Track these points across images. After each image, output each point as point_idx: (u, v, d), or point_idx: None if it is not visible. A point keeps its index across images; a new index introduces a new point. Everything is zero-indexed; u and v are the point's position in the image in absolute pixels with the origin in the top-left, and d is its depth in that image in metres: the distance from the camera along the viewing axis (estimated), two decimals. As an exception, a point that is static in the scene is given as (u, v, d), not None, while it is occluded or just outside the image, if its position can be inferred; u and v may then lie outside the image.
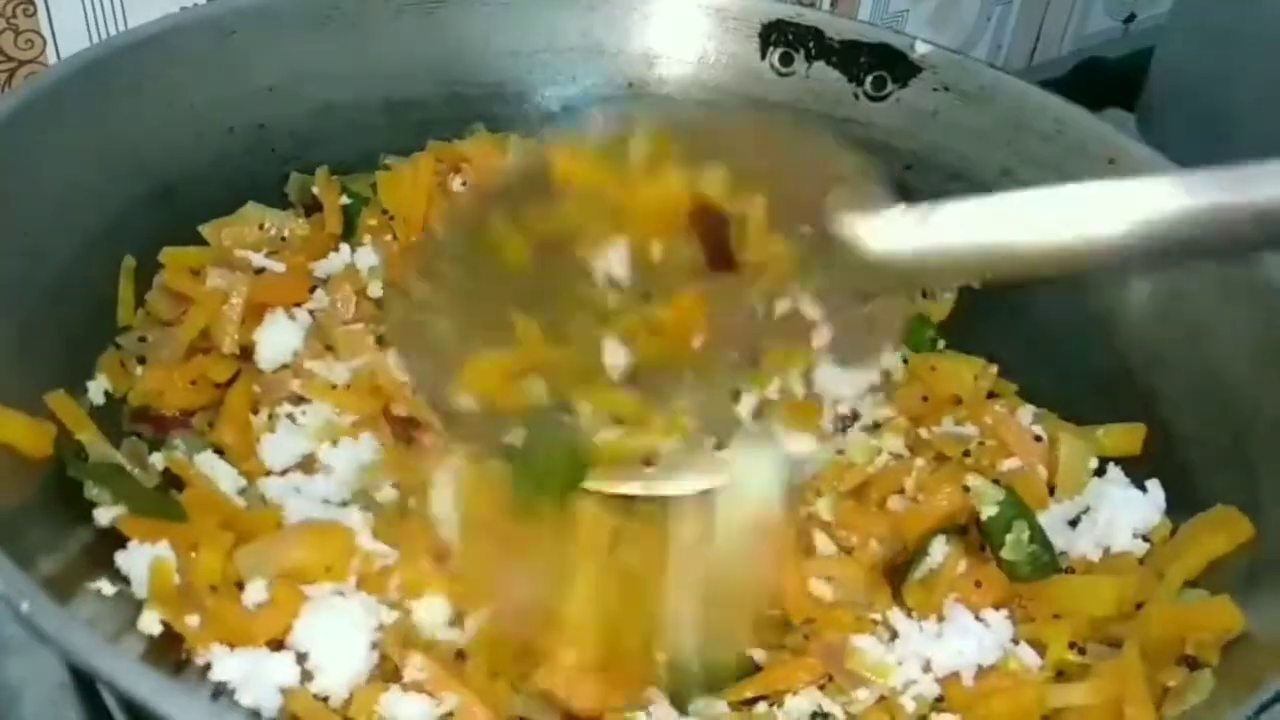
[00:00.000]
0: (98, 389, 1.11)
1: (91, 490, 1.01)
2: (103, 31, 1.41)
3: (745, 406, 0.98)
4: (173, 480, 1.08)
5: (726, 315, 0.97)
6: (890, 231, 0.91)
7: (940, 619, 1.06)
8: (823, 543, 1.12)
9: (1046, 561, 1.09)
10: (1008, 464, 1.18)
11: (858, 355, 0.98)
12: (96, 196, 1.16)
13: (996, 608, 1.06)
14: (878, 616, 1.07)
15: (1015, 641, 1.04)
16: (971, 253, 0.90)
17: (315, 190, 1.32)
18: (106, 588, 0.95)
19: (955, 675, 1.02)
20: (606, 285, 0.98)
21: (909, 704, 1.01)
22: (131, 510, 1.01)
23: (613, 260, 0.97)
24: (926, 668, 1.03)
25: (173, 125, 1.24)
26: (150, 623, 0.94)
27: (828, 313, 0.97)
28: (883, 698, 1.02)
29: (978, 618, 1.05)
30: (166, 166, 1.23)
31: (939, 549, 1.10)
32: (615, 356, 0.98)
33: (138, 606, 0.95)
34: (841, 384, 0.98)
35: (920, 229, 0.90)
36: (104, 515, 1.01)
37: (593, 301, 0.97)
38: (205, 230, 1.25)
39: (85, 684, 0.86)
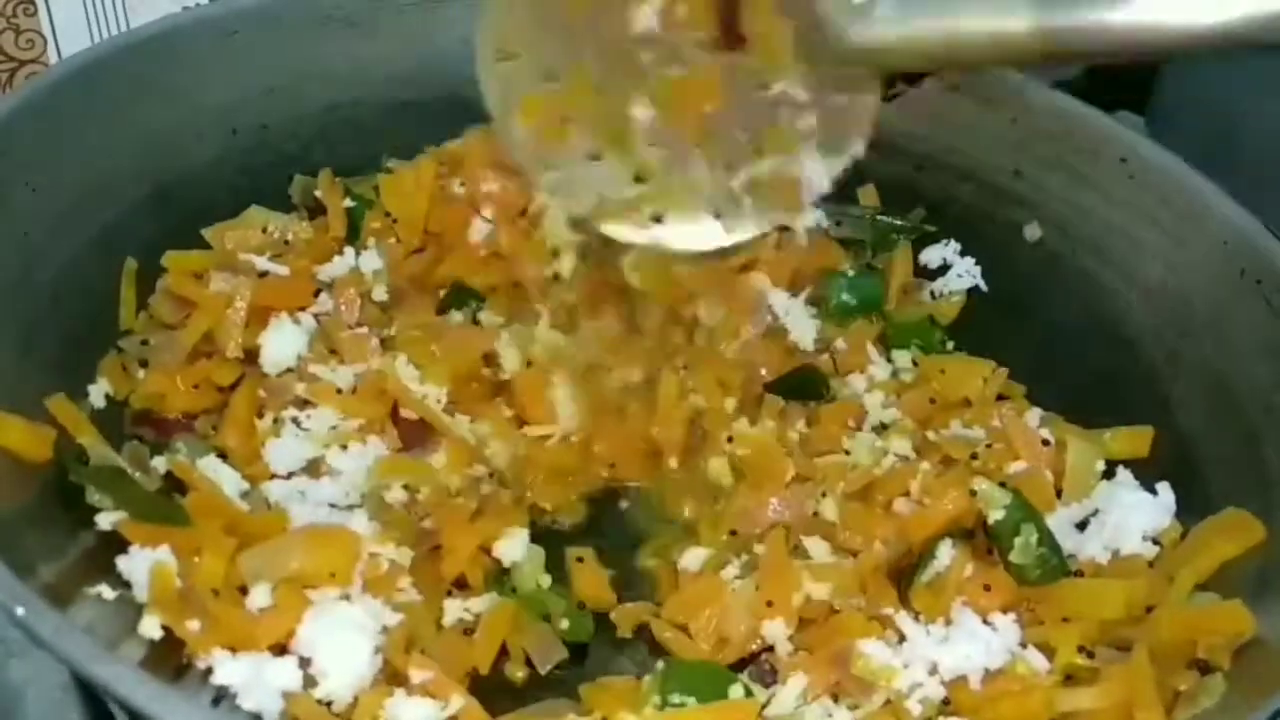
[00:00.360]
0: (99, 392, 1.11)
1: (93, 495, 1.00)
2: (103, 31, 1.41)
3: (738, 181, 1.04)
4: (175, 484, 1.07)
5: (732, 92, 1.03)
6: (867, 19, 0.96)
7: (948, 622, 1.05)
8: (816, 547, 1.12)
9: (1055, 564, 1.08)
10: (1015, 467, 1.17)
11: (835, 143, 1.02)
12: (97, 198, 1.16)
13: (1004, 611, 1.05)
14: (886, 616, 1.06)
15: (1023, 645, 1.03)
16: (937, 37, 0.95)
17: (318, 193, 1.32)
18: (107, 592, 0.95)
19: (962, 679, 1.01)
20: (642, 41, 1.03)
21: (915, 708, 1.00)
22: (133, 515, 1.00)
23: (648, 13, 1.02)
24: (933, 671, 1.02)
25: (174, 126, 1.24)
26: (150, 627, 0.94)
27: (813, 99, 1.01)
28: (889, 701, 1.01)
29: (985, 621, 1.04)
30: (168, 168, 1.23)
31: (945, 552, 1.09)
32: (642, 110, 1.03)
33: (138, 611, 0.95)
34: (819, 171, 1.03)
35: (891, 17, 0.95)
36: (105, 520, 1.00)
37: (630, 57, 1.03)
38: (208, 234, 1.25)
39: (87, 686, 0.86)
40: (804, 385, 1.26)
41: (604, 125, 1.04)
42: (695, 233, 1.05)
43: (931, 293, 1.39)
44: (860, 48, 0.96)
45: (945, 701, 1.01)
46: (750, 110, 1.02)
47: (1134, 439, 1.19)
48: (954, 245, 1.39)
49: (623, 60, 1.02)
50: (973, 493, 1.10)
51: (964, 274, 1.38)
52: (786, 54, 1.00)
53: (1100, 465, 1.17)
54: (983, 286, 1.37)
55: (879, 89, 1.00)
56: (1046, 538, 1.08)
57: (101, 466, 1.04)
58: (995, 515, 1.08)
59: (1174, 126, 1.54)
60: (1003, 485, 1.11)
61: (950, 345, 1.34)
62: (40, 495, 0.98)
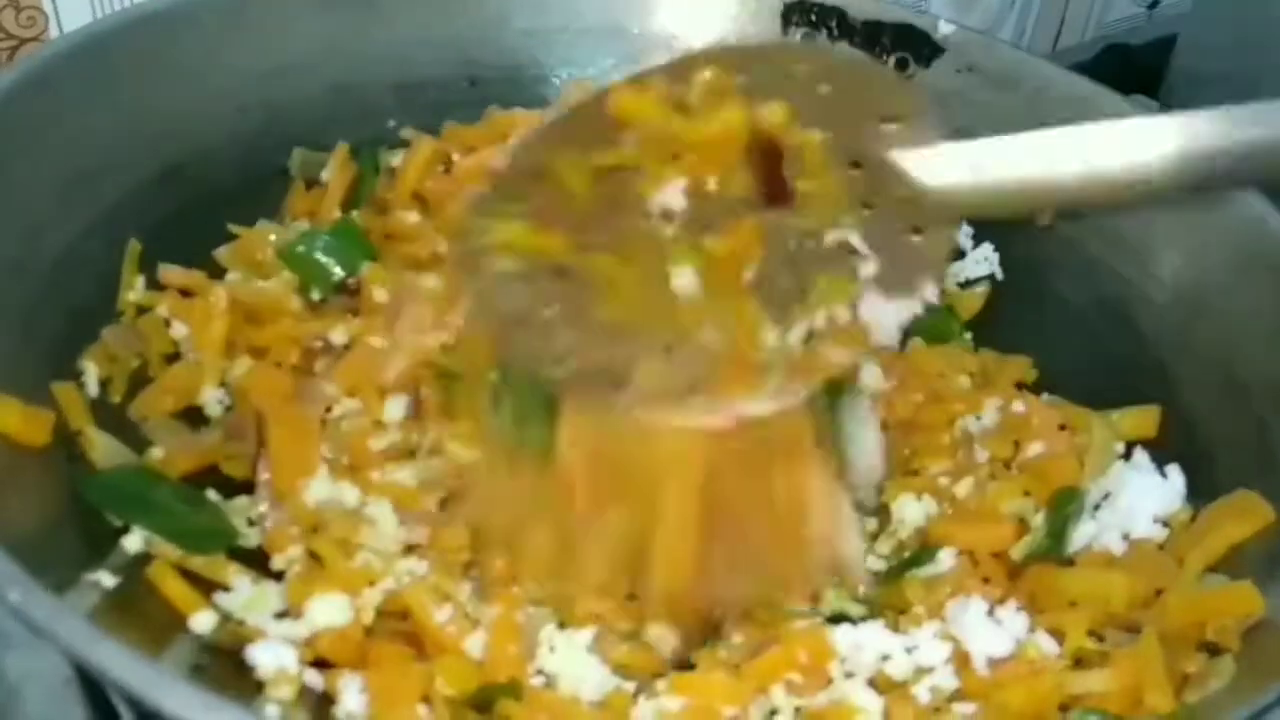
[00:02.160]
0: (93, 380, 1.09)
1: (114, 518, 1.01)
2: (106, 7, 1.40)
3: (794, 336, 0.97)
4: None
5: (778, 247, 0.99)
6: (943, 166, 0.96)
7: (947, 614, 1.04)
8: None
9: (1047, 547, 1.09)
10: (1033, 449, 1.17)
11: (902, 287, 0.98)
12: (99, 178, 1.15)
13: (1003, 600, 1.05)
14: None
15: (1032, 630, 1.02)
16: (1021, 186, 0.96)
17: (325, 174, 1.31)
18: (106, 579, 0.94)
19: (971, 665, 1.00)
20: (662, 219, 1.00)
21: (924, 695, 0.99)
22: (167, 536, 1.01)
23: (670, 194, 1.00)
24: (944, 659, 1.01)
25: (178, 104, 1.23)
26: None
27: (875, 244, 0.98)
28: (896, 689, 1.00)
29: (990, 612, 1.03)
30: (172, 147, 1.22)
31: (947, 558, 1.10)
32: (684, 280, 0.98)
33: (138, 597, 0.95)
34: (886, 315, 0.98)
35: (972, 163, 0.96)
36: (132, 543, 1.00)
37: (651, 234, 1.00)
38: (221, 255, 1.24)
39: (89, 679, 0.85)
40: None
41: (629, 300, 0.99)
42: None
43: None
44: (939, 196, 0.96)
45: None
46: (798, 263, 0.99)
47: (1142, 419, 1.18)
48: (966, 229, 1.38)
49: (644, 239, 1.00)
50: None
51: (981, 260, 1.38)
52: (842, 206, 0.98)
53: (1119, 448, 1.16)
54: (999, 274, 1.37)
55: (956, 227, 0.99)
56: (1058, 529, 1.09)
57: (116, 477, 1.04)
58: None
59: (1187, 107, 1.53)
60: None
61: (968, 336, 1.35)
62: (38, 479, 0.98)
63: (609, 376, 0.95)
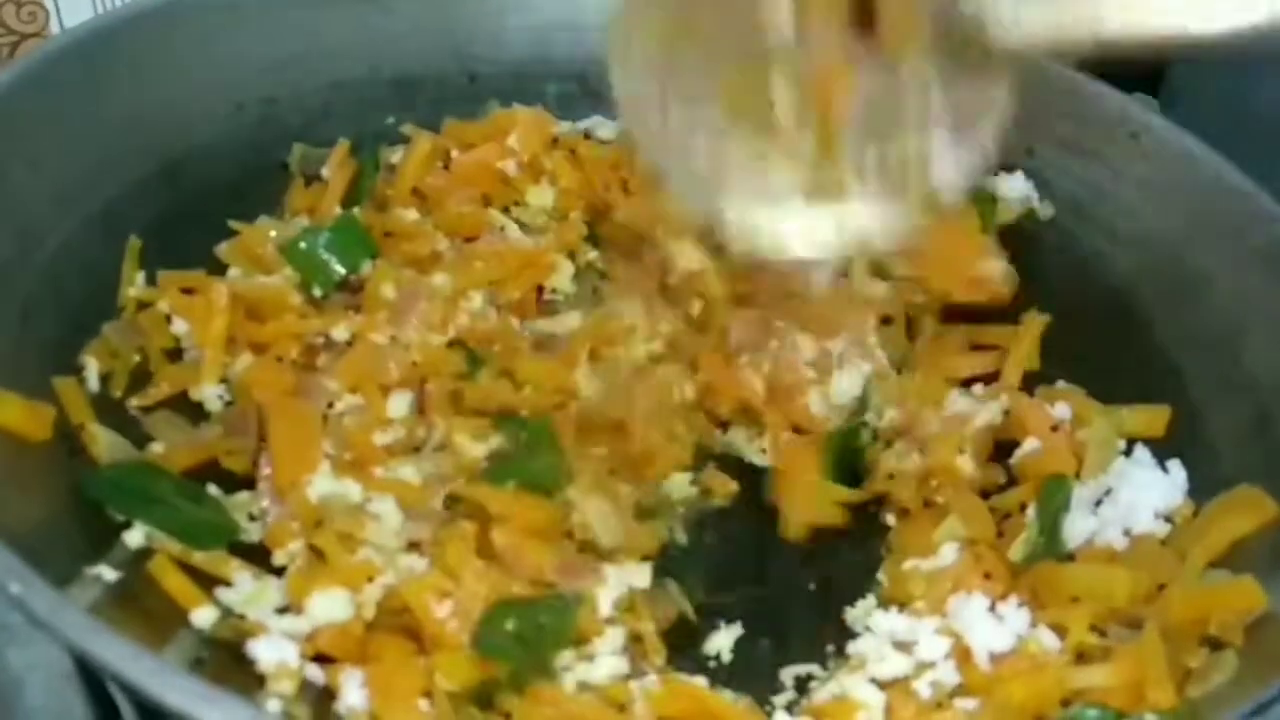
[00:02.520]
0: (94, 376, 1.09)
1: (116, 514, 1.01)
2: (106, 3, 1.40)
3: (870, 158, 0.98)
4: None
5: (866, 78, 0.98)
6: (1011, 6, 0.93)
7: (949, 609, 1.05)
8: None
9: (1044, 548, 1.09)
10: (1028, 444, 1.18)
11: (965, 133, 0.98)
12: (99, 174, 1.15)
13: (1005, 596, 1.05)
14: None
15: (1033, 625, 1.03)
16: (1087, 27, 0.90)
17: (325, 171, 1.31)
18: (107, 574, 0.94)
19: (973, 660, 1.00)
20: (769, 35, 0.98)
21: (925, 690, 0.99)
22: (170, 533, 1.01)
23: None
24: (945, 654, 1.02)
25: (178, 101, 1.23)
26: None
27: (943, 81, 0.97)
28: (898, 683, 1.01)
29: (992, 608, 1.03)
30: (172, 143, 1.22)
31: (950, 552, 1.10)
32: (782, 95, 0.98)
33: (139, 591, 0.95)
34: (949, 160, 0.98)
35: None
36: (134, 538, 1.00)
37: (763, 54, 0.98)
38: (223, 251, 1.24)
39: (90, 673, 0.85)
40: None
41: (740, 102, 0.99)
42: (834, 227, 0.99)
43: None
44: (1005, 38, 0.93)
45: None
46: (881, 94, 0.98)
47: (1151, 417, 1.18)
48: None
49: (756, 58, 0.98)
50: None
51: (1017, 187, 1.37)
52: (920, 35, 0.96)
53: (1121, 444, 1.16)
54: (1037, 205, 1.36)
55: (1011, 81, 0.98)
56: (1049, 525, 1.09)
57: (117, 472, 1.03)
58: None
59: (1188, 105, 1.53)
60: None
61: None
62: (40, 474, 0.98)
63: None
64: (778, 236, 0.98)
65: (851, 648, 1.06)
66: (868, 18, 0.97)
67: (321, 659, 0.96)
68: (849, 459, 1.20)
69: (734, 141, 0.99)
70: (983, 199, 1.32)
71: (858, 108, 0.97)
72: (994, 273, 1.27)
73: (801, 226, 0.98)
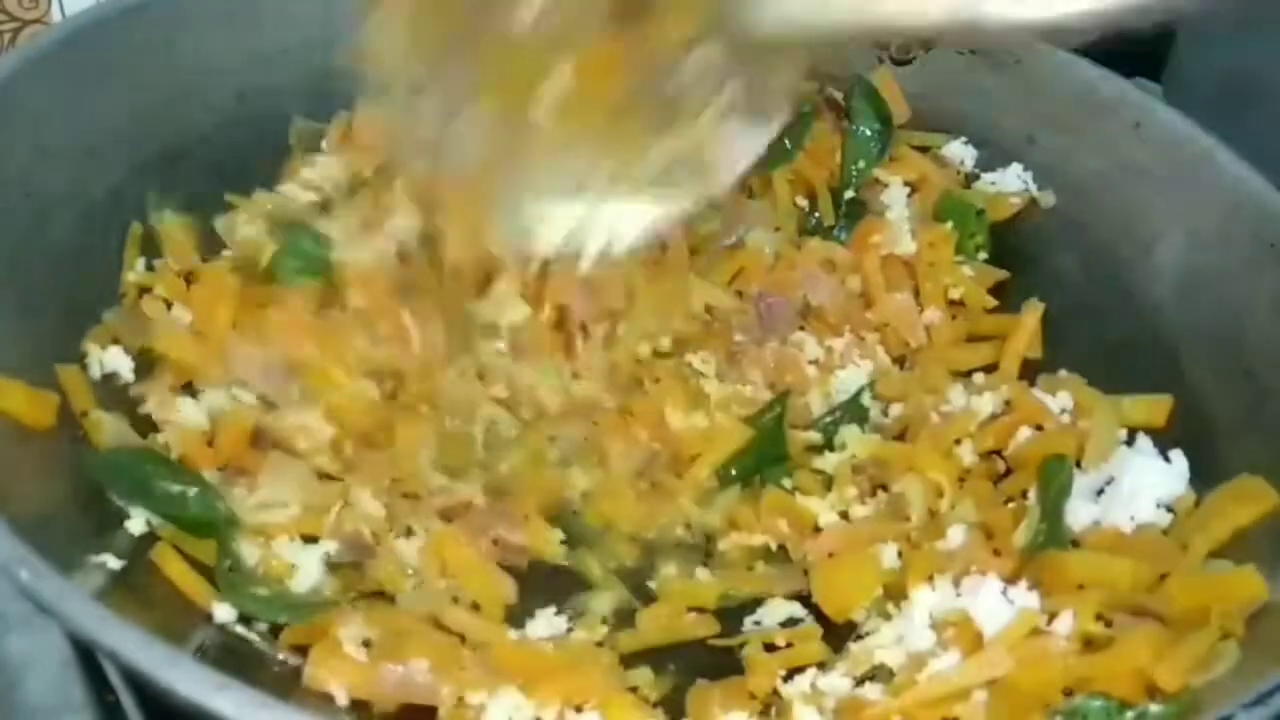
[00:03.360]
0: (97, 362, 1.09)
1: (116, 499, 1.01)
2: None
3: (655, 155, 0.97)
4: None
5: (639, 67, 0.95)
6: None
7: (958, 594, 1.05)
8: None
9: (1048, 536, 1.08)
10: (1024, 434, 1.18)
11: (757, 116, 0.97)
12: (101, 160, 1.15)
13: (1014, 580, 1.04)
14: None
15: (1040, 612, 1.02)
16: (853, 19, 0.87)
17: (324, 144, 1.30)
18: (111, 561, 0.95)
19: (979, 647, 1.00)
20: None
21: (929, 681, 0.99)
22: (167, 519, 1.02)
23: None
24: (950, 641, 1.01)
25: (180, 88, 1.23)
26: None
27: (731, 74, 0.94)
28: (902, 674, 1.01)
29: (1003, 592, 1.03)
30: (174, 130, 1.22)
31: (958, 535, 1.10)
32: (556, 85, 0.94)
33: (145, 584, 0.95)
34: (740, 145, 0.98)
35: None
36: (136, 525, 1.00)
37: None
38: (219, 225, 1.23)
39: (90, 660, 0.85)
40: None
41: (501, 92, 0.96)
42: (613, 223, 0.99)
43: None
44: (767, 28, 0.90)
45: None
46: (664, 86, 0.95)
47: (1153, 407, 1.18)
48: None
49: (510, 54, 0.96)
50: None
51: (1016, 176, 1.39)
52: (691, 23, 0.93)
53: (1123, 433, 1.16)
54: (1035, 193, 1.37)
55: (799, 67, 0.97)
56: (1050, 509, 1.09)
57: (121, 455, 1.04)
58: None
59: (1189, 92, 1.53)
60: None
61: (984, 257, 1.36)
62: (44, 462, 0.98)
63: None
64: (542, 232, 0.98)
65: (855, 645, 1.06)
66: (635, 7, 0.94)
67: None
68: (775, 442, 1.21)
69: (495, 132, 0.97)
70: (965, 211, 1.34)
71: (627, 97, 0.95)
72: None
73: (568, 220, 0.98)
